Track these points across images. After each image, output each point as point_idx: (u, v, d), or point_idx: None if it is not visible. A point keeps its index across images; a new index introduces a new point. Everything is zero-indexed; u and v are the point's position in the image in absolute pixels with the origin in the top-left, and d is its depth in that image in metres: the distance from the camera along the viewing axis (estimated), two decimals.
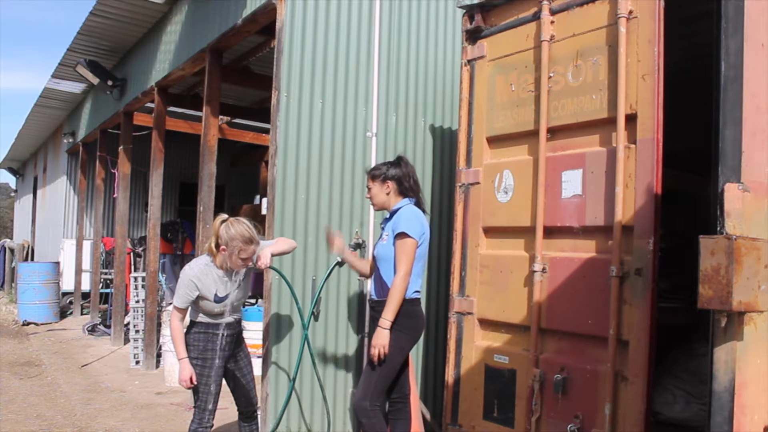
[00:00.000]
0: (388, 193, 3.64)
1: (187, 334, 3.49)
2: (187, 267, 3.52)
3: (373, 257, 3.73)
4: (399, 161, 3.70)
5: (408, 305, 3.49)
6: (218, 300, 3.45)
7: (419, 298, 3.65)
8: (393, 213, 3.62)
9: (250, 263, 3.49)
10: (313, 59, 4.49)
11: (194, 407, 3.52)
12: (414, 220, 3.53)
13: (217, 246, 3.40)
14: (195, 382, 3.41)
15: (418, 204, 3.68)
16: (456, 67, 4.91)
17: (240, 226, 3.36)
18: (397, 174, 3.63)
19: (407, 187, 3.64)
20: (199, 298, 3.42)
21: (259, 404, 3.85)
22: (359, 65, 4.69)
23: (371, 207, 4.58)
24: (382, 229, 3.75)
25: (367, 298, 4.53)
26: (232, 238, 3.34)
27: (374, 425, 3.43)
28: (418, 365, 4.82)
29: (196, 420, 3.47)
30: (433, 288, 4.97)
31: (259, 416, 3.86)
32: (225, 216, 3.45)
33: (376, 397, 3.48)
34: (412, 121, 4.95)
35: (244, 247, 3.35)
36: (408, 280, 3.44)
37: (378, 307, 3.60)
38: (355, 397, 3.54)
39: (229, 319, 3.52)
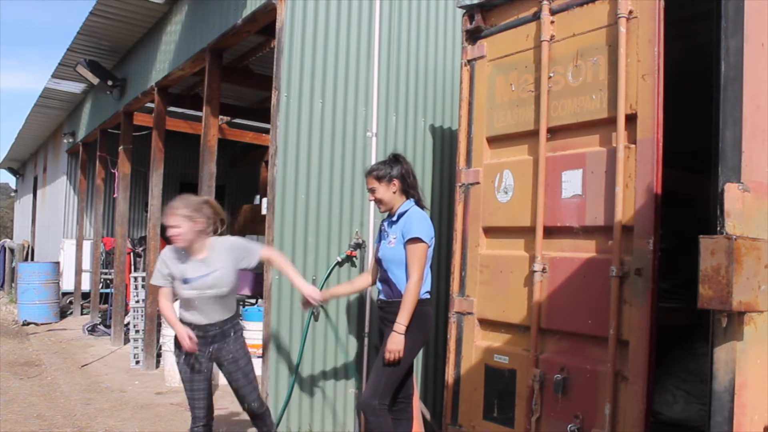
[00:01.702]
0: (394, 192, 3.63)
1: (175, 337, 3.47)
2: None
3: (378, 259, 3.71)
4: (397, 159, 3.68)
5: (419, 305, 3.48)
6: (186, 282, 3.41)
7: (430, 298, 3.64)
8: (400, 215, 3.59)
9: (175, 234, 3.42)
10: (313, 59, 4.49)
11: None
12: (425, 223, 3.53)
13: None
14: (192, 336, 3.39)
15: (419, 202, 3.67)
16: (456, 67, 4.91)
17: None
18: (400, 172, 3.62)
19: (409, 185, 3.64)
20: (174, 281, 3.43)
21: (259, 404, 3.80)
22: (359, 65, 4.69)
23: (371, 207, 4.60)
24: (382, 230, 3.73)
25: (368, 296, 4.53)
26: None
27: (381, 424, 3.42)
28: (418, 365, 4.82)
29: (192, 421, 3.47)
30: (433, 288, 4.96)
31: (267, 411, 3.79)
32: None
33: (385, 396, 3.47)
34: (412, 121, 4.95)
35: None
36: (421, 284, 3.46)
37: (388, 308, 3.58)
38: (364, 396, 3.53)
39: (203, 320, 3.46)
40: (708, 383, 2.52)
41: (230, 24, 5.30)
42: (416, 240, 3.44)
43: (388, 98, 4.82)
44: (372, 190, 3.66)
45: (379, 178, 3.62)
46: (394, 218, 3.62)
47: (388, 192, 3.62)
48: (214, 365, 3.61)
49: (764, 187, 2.56)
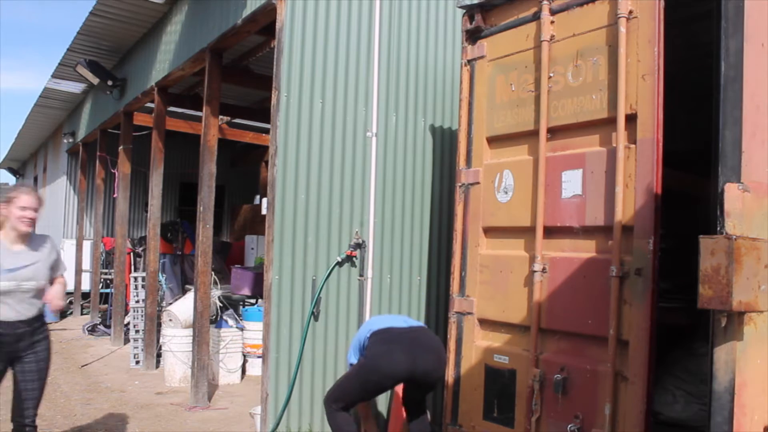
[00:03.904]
0: None
1: None
2: None
3: None
4: None
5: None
6: (5, 272, 3.22)
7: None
8: None
9: (30, 215, 3.27)
10: (313, 59, 4.49)
11: None
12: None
13: None
14: None
15: None
16: (456, 67, 4.91)
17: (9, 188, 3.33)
18: None
19: None
20: None
21: (32, 421, 3.40)
22: (359, 65, 4.69)
23: (371, 207, 4.64)
24: None
25: (369, 297, 4.54)
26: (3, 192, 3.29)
27: (331, 419, 3.65)
28: None
29: None
30: (433, 288, 4.97)
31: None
32: None
33: (333, 400, 3.64)
34: (412, 121, 4.95)
35: (17, 195, 3.25)
36: None
37: None
38: None
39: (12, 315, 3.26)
40: (708, 383, 2.52)
41: (230, 24, 5.30)
42: None
43: (388, 98, 4.82)
44: None
45: None
46: None
47: None
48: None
49: (764, 187, 2.56)
